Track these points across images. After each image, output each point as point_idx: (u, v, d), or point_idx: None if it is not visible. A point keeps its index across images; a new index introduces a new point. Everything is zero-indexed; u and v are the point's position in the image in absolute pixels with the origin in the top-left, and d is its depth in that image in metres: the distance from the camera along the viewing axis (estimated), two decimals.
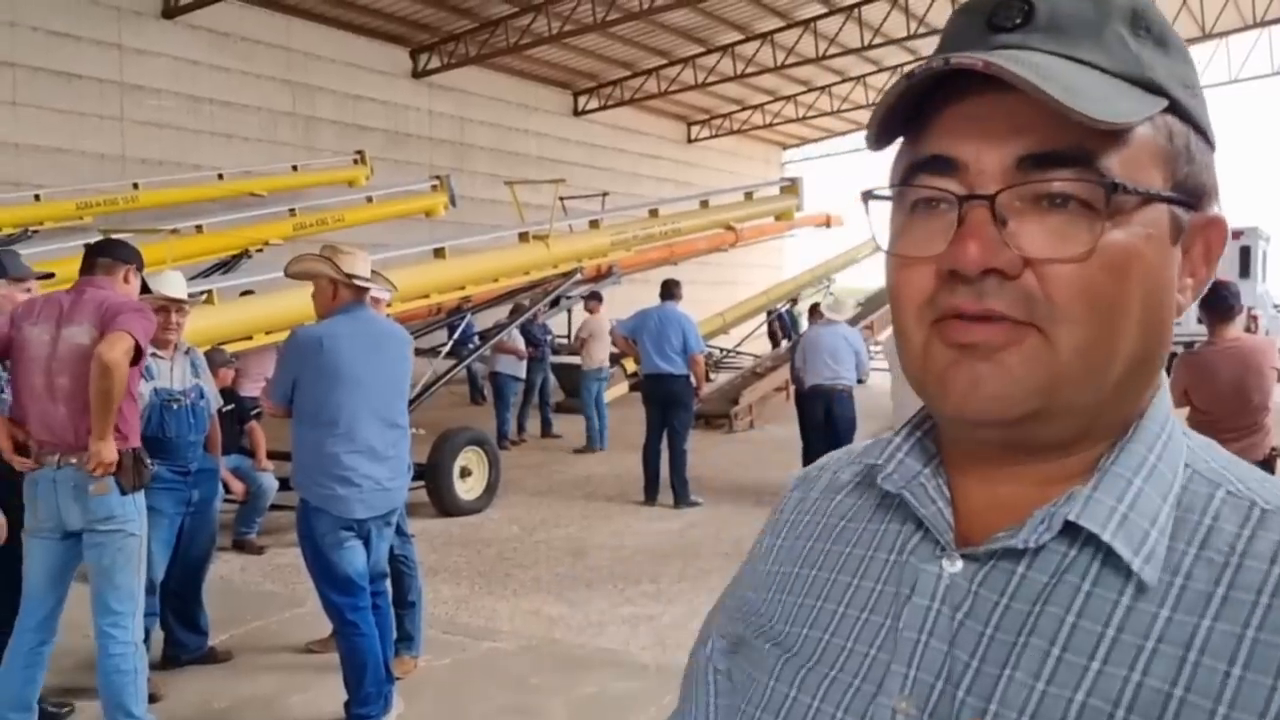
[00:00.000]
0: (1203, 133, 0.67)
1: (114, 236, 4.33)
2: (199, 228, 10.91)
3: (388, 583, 4.29)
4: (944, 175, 0.64)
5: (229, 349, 6.97)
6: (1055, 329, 0.61)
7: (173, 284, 4.69)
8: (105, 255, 3.87)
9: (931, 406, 0.69)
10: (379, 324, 4.23)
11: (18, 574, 3.69)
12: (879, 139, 0.68)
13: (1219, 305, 4.93)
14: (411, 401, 5.71)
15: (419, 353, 7.82)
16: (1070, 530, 0.63)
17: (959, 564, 0.66)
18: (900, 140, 0.69)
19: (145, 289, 4.23)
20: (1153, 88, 0.63)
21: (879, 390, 10.05)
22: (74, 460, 3.55)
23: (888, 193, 0.69)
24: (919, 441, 0.74)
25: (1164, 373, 0.70)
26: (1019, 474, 0.67)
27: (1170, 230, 0.64)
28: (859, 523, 0.76)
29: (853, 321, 10.23)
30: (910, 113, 0.66)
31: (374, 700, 3.93)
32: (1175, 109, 0.64)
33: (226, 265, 11.08)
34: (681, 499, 8.50)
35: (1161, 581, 0.60)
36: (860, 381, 8.60)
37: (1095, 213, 0.61)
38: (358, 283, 4.02)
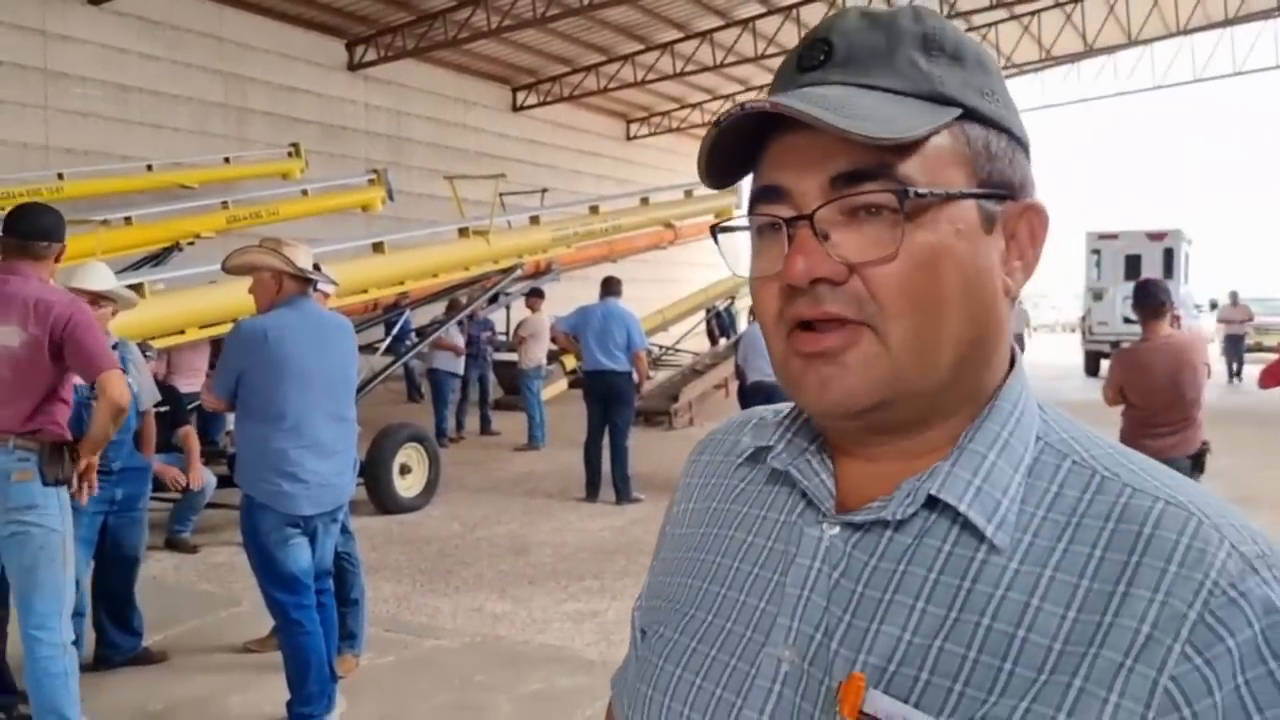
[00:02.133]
0: (1007, 131, 0.73)
1: (35, 203, 3.97)
2: (128, 219, 10.63)
3: (331, 580, 4.21)
4: (776, 202, 0.72)
5: (161, 343, 6.81)
6: (885, 325, 0.68)
7: (97, 276, 4.53)
8: (36, 236, 3.59)
9: (799, 404, 0.78)
10: (324, 316, 4.14)
11: None
12: (714, 179, 0.77)
13: (1150, 302, 5.05)
14: None
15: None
16: (932, 501, 0.70)
17: (837, 528, 0.74)
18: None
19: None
20: (945, 100, 0.70)
21: None
22: None
23: (736, 223, 0.77)
24: (806, 423, 0.82)
25: (1019, 354, 0.77)
26: (885, 451, 0.75)
27: (981, 222, 0.71)
28: (755, 485, 0.84)
29: None
30: (751, 149, 0.74)
31: (317, 699, 3.86)
32: (972, 115, 0.71)
33: (157, 258, 10.82)
34: (623, 495, 8.50)
35: (1012, 540, 0.67)
36: None
37: (902, 216, 0.68)
38: (308, 275, 3.95)
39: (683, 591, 0.82)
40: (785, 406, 0.90)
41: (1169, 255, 18.03)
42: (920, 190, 0.68)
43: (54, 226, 3.69)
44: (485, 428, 12.65)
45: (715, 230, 0.79)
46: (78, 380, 3.88)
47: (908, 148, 0.68)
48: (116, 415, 3.52)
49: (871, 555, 0.71)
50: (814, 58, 0.72)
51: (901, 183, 0.67)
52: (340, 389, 4.04)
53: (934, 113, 0.69)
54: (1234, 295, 20.14)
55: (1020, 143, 0.75)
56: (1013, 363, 0.76)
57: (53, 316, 3.46)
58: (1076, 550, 0.65)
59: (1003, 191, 0.72)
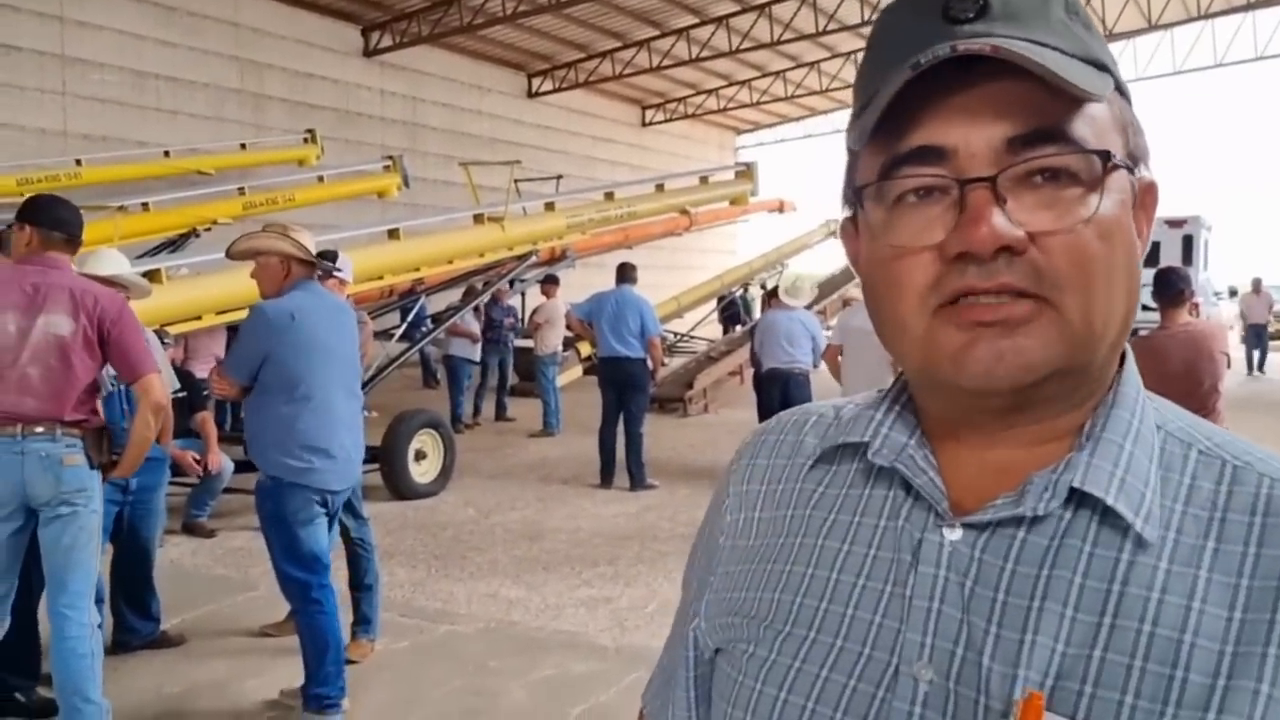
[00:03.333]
0: (1130, 104, 0.71)
1: (58, 196, 4.02)
2: (145, 205, 10.68)
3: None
4: (932, 165, 0.65)
5: (178, 329, 6.84)
6: (1063, 297, 0.64)
7: (107, 261, 4.55)
8: (73, 229, 3.65)
9: (947, 384, 0.68)
10: (330, 297, 4.25)
11: None
12: (873, 135, 0.68)
13: (1169, 290, 5.01)
14: (365, 384, 5.66)
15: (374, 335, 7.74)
16: (1069, 495, 0.66)
17: (959, 531, 0.68)
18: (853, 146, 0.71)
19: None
20: (1100, 65, 0.66)
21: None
22: (40, 429, 3.43)
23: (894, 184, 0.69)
24: (900, 415, 0.76)
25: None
26: (1011, 439, 0.70)
27: (1131, 195, 0.68)
28: (838, 488, 0.77)
29: (809, 306, 10.29)
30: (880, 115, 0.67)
31: (334, 679, 3.89)
32: (1117, 84, 0.68)
33: (174, 244, 10.88)
34: (638, 482, 8.51)
35: (1159, 536, 0.64)
36: (815, 366, 8.65)
37: (1083, 182, 0.64)
38: (322, 262, 4.02)
39: (768, 607, 0.75)
40: (844, 401, 0.85)
41: (1188, 242, 17.86)
42: (1114, 155, 0.65)
43: (81, 221, 3.77)
44: (500, 414, 12.68)
45: (860, 191, 0.70)
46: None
47: (1082, 111, 0.64)
48: (157, 418, 3.60)
49: (1005, 559, 0.66)
50: (966, 10, 0.66)
51: (1079, 146, 0.64)
52: (351, 366, 4.16)
53: (1101, 76, 0.65)
54: (1257, 283, 19.29)
55: None
56: (1123, 349, 0.73)
57: (99, 310, 3.52)
58: (1229, 549, 0.63)
59: (1137, 165, 0.70)
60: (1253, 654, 0.59)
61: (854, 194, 0.72)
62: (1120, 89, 0.69)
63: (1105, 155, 0.64)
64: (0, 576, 3.50)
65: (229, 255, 4.13)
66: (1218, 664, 0.60)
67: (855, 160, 0.72)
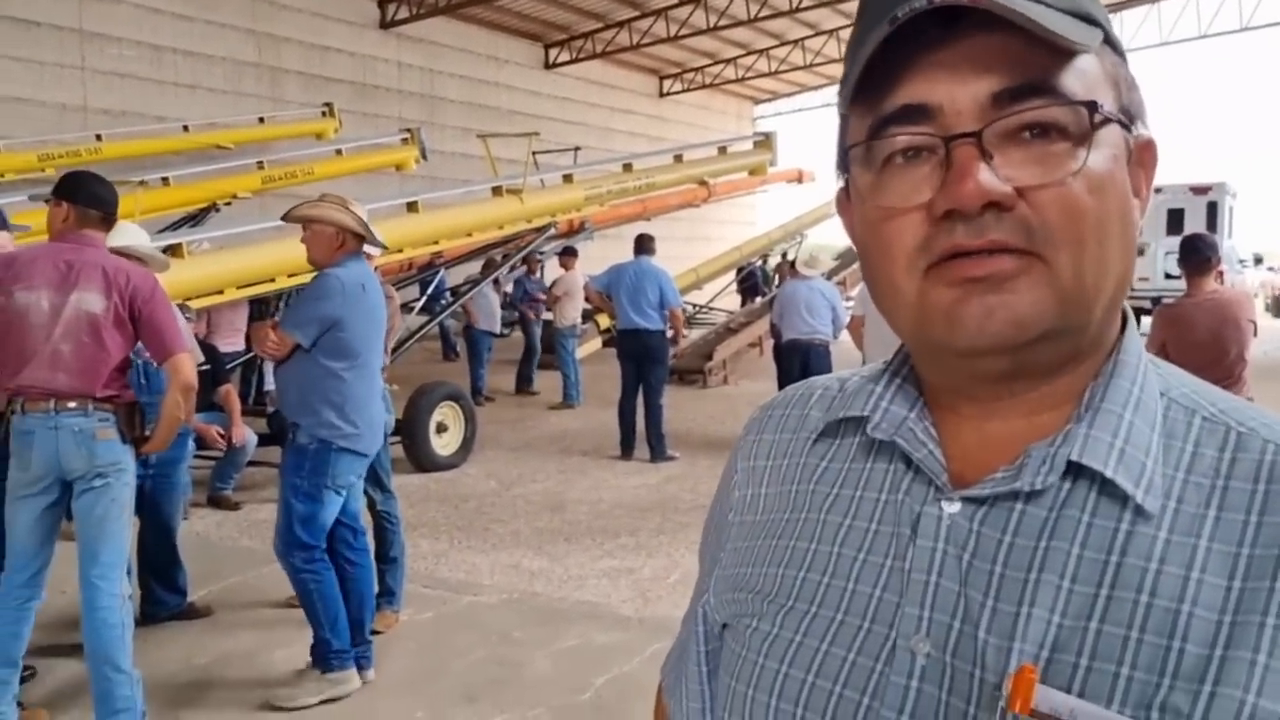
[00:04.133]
0: (1124, 59, 0.69)
1: (93, 172, 4.02)
2: (165, 180, 10.71)
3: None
4: (917, 123, 0.65)
5: (199, 303, 6.88)
6: (1055, 253, 0.63)
7: (126, 234, 4.57)
8: (103, 207, 3.68)
9: (940, 345, 0.67)
10: (370, 269, 4.36)
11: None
12: (857, 93, 0.68)
13: (1195, 257, 4.96)
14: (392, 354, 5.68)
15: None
16: (1068, 467, 0.65)
17: (957, 505, 0.67)
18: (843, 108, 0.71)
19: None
20: (1090, 19, 0.65)
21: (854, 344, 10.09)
22: (73, 404, 3.47)
23: (863, 146, 0.69)
24: (900, 387, 0.76)
25: (1128, 307, 0.72)
26: (1009, 407, 0.69)
27: (1125, 150, 0.66)
28: (840, 463, 0.77)
29: (828, 276, 10.23)
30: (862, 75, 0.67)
31: (344, 635, 3.96)
32: (1107, 38, 0.67)
33: (194, 218, 10.91)
34: (658, 454, 8.53)
35: (1160, 506, 0.63)
36: (836, 336, 8.62)
37: (1071, 136, 0.63)
38: (369, 236, 4.11)
39: (772, 582, 0.76)
40: (849, 374, 0.85)
41: (1212, 209, 17.64)
42: (1102, 106, 0.63)
43: (117, 199, 3.79)
44: (524, 387, 12.73)
45: (848, 151, 0.70)
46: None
47: (1071, 64, 0.63)
48: (187, 397, 3.63)
49: (1004, 532, 0.65)
50: None
51: (1066, 98, 0.63)
52: (381, 335, 4.29)
53: (1090, 29, 0.64)
54: None
55: None
56: (1124, 314, 0.72)
57: (131, 287, 3.54)
58: (1230, 518, 0.62)
59: (1133, 121, 0.68)
60: (1251, 623, 0.58)
61: (842, 156, 0.71)
62: (1112, 44, 0.67)
63: (1092, 106, 0.63)
64: (37, 550, 3.54)
65: (285, 219, 4.21)
66: (1215, 634, 0.59)
67: (846, 124, 0.72)
